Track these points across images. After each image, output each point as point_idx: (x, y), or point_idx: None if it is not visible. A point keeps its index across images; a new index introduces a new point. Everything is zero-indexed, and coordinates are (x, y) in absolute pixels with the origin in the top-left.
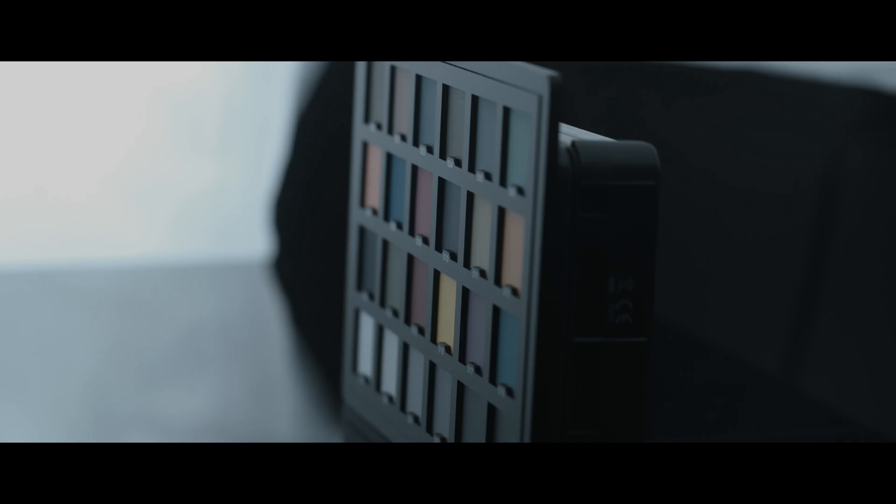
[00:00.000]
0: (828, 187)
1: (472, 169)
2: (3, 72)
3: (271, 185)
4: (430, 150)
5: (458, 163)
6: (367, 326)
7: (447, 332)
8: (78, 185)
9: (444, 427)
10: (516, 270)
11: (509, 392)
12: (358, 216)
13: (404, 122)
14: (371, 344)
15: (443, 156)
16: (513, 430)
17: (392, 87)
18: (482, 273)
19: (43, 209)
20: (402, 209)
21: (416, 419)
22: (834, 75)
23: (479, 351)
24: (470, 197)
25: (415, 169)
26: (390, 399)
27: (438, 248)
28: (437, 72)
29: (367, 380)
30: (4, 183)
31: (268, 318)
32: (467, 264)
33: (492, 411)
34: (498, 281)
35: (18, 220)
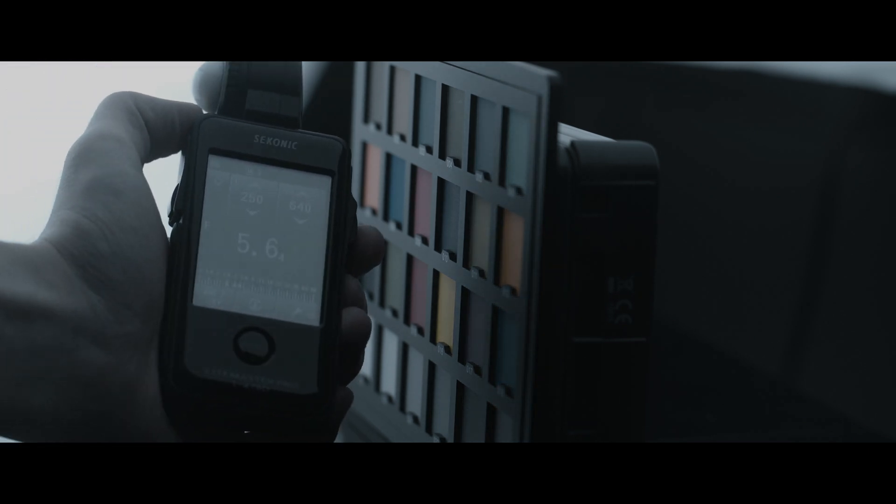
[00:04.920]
0: (827, 186)
1: (471, 169)
2: (3, 72)
3: None
4: (429, 150)
5: (457, 163)
6: None
7: (447, 332)
8: None
9: (443, 427)
10: (515, 271)
11: (509, 392)
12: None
13: (404, 122)
14: (371, 344)
15: (442, 156)
16: (512, 431)
17: (391, 87)
18: (481, 273)
19: (42, 209)
20: (401, 209)
21: (415, 419)
22: (834, 75)
23: (478, 351)
24: (469, 197)
25: (414, 169)
26: (390, 399)
27: (438, 248)
28: (436, 72)
29: (366, 380)
30: (4, 184)
31: None
32: (467, 264)
33: (491, 411)
34: (497, 281)
35: (18, 222)
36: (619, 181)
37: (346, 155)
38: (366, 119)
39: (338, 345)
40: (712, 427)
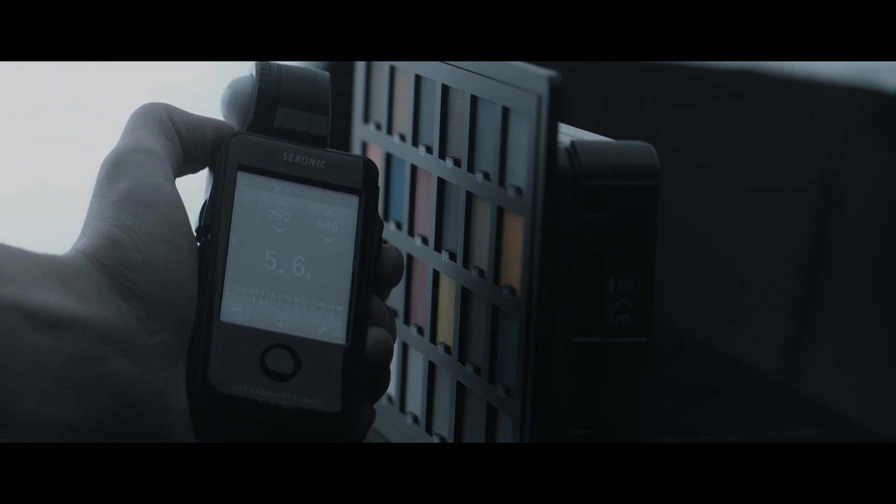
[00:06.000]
0: (827, 187)
1: (471, 169)
2: (4, 72)
3: None
4: (429, 150)
5: (457, 163)
6: None
7: (447, 332)
8: (79, 186)
9: (443, 427)
10: (515, 270)
11: (508, 392)
12: None
13: (404, 122)
14: None
15: (442, 156)
16: (512, 431)
17: (391, 87)
18: (481, 273)
19: (43, 211)
20: (401, 209)
21: (415, 419)
22: (834, 75)
23: (478, 351)
24: (469, 197)
25: (414, 169)
26: (390, 399)
27: (438, 248)
28: (436, 72)
29: None
30: (4, 184)
31: None
32: (466, 264)
33: (491, 411)
34: (497, 281)
35: (18, 222)
36: (619, 181)
37: (374, 174)
38: (366, 119)
39: (363, 363)
40: (712, 427)
